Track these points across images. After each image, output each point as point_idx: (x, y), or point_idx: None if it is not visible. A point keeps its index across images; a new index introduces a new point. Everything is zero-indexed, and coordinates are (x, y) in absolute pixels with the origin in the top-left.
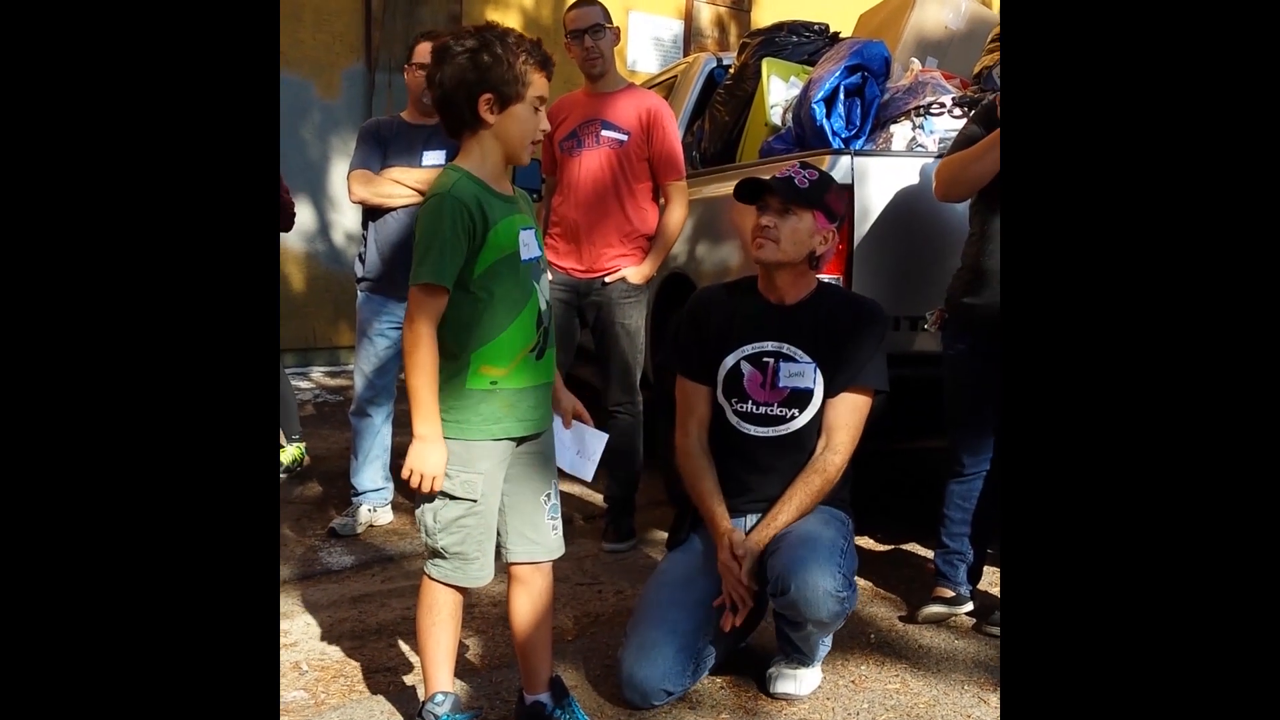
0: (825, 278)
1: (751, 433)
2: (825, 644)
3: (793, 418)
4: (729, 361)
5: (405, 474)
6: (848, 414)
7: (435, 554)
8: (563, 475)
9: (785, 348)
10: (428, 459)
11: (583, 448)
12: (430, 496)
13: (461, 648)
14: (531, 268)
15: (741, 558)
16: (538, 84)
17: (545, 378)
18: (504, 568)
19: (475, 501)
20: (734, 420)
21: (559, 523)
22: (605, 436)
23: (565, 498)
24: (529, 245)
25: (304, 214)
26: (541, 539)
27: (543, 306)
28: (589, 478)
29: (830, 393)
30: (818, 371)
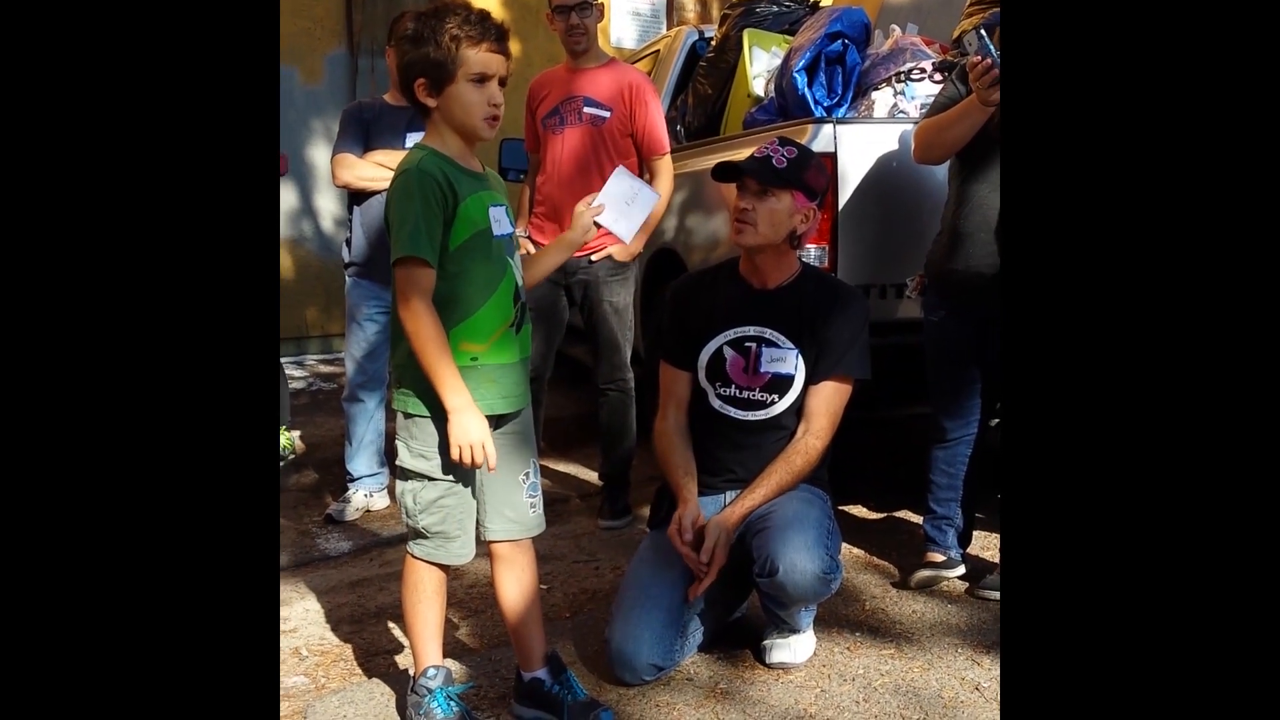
0: (811, 248)
1: (733, 415)
2: (811, 610)
3: (773, 402)
4: (711, 346)
5: (454, 454)
6: (828, 400)
7: (417, 534)
8: (556, 456)
9: (767, 332)
10: (470, 430)
11: (627, 197)
12: (410, 476)
13: (457, 627)
14: (505, 244)
15: (689, 540)
16: (474, 60)
17: (524, 353)
18: (486, 548)
19: (454, 481)
20: (716, 403)
21: (539, 501)
22: (619, 169)
23: (561, 477)
24: (500, 221)
25: (291, 202)
26: (520, 518)
27: (518, 281)
28: (658, 193)
29: (812, 380)
30: (799, 357)
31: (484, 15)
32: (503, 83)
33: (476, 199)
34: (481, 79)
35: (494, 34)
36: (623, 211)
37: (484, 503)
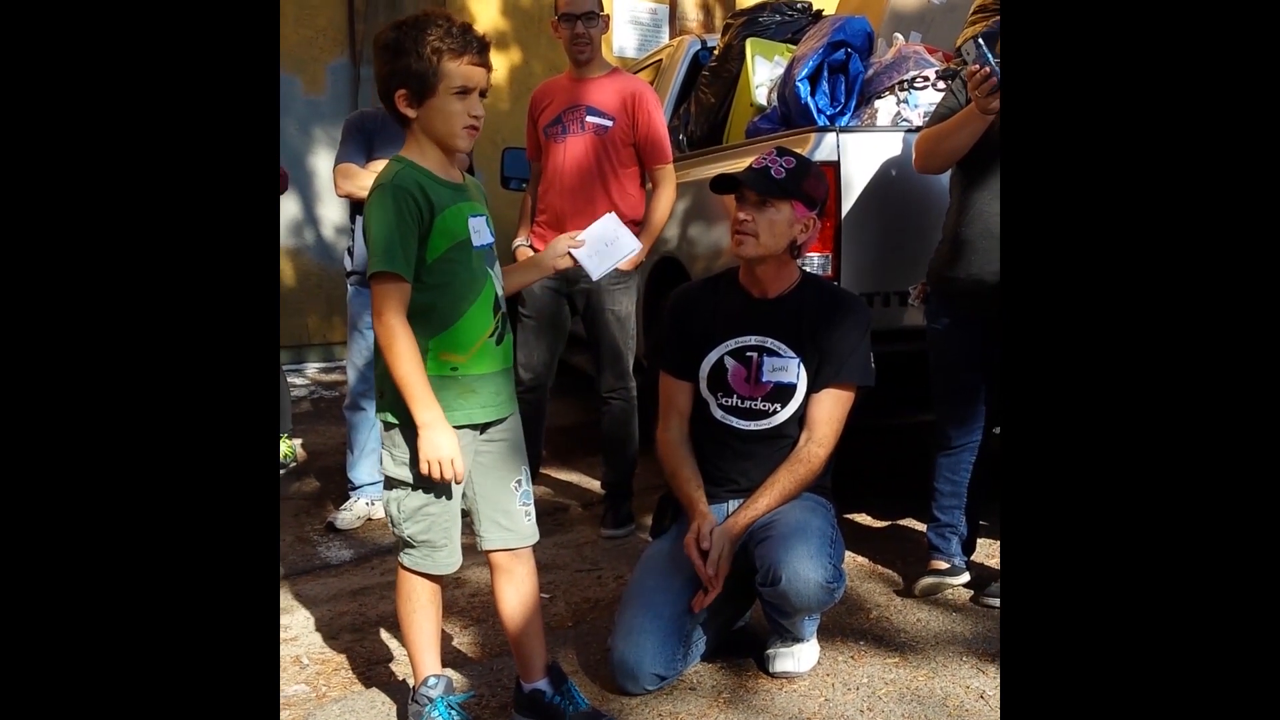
0: (814, 256)
1: (735, 425)
2: (814, 619)
3: (775, 412)
4: (712, 357)
5: (423, 468)
6: (831, 409)
7: (405, 543)
8: (558, 464)
9: (769, 342)
10: (440, 445)
11: (606, 239)
12: (399, 485)
13: (458, 636)
14: (485, 254)
15: (708, 549)
16: (456, 74)
17: (505, 363)
18: (483, 559)
19: (438, 490)
20: (718, 414)
21: (532, 509)
22: (609, 215)
23: (563, 485)
24: (480, 232)
25: (293, 210)
26: (516, 526)
27: (498, 292)
28: (635, 243)
29: (814, 388)
30: (801, 366)
31: (466, 27)
32: (483, 94)
33: (455, 211)
34: (463, 91)
35: (476, 47)
36: (599, 250)
37: (477, 511)
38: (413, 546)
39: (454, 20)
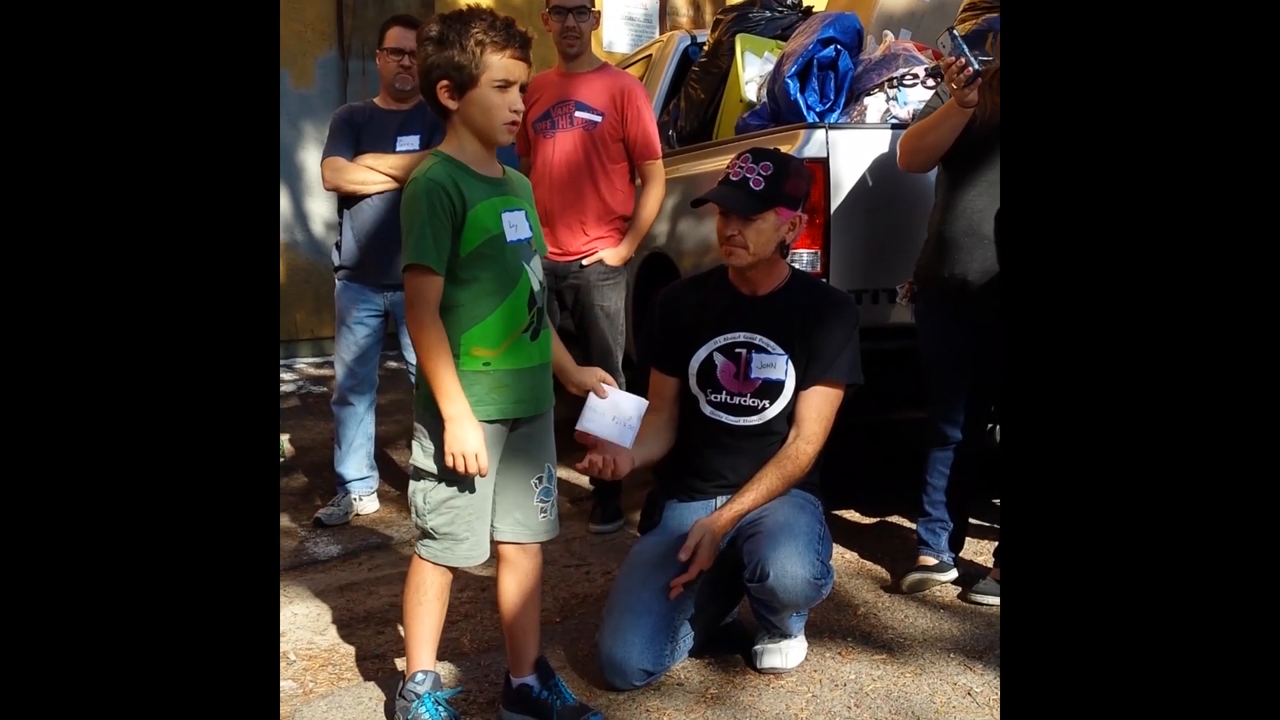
0: (804, 253)
1: (724, 421)
2: (802, 615)
3: (764, 408)
4: (701, 353)
5: (447, 461)
6: (819, 406)
7: (425, 534)
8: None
9: (757, 338)
10: (465, 439)
11: (618, 414)
12: (453, 477)
13: (448, 632)
14: (521, 249)
15: (592, 435)
16: (498, 66)
17: (541, 359)
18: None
19: (466, 483)
20: (707, 410)
21: (551, 506)
22: (644, 402)
23: None
24: (516, 226)
25: (282, 205)
26: (528, 521)
27: (535, 287)
28: (629, 444)
29: (802, 385)
30: (789, 363)
31: (509, 22)
32: (523, 89)
33: (489, 205)
34: (504, 85)
35: (518, 41)
36: (614, 428)
37: (496, 504)
38: (433, 538)
39: (497, 15)
